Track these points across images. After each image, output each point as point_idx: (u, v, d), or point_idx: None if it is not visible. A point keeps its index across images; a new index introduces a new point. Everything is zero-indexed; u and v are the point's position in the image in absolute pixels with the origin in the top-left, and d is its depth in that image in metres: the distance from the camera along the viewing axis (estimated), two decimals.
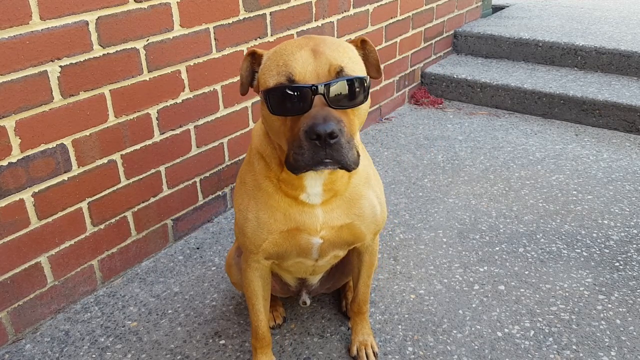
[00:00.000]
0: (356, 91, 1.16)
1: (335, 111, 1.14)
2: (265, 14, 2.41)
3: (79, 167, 1.89)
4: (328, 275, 1.76)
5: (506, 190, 2.67)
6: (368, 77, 1.22)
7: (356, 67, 1.20)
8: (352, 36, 3.01)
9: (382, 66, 3.37)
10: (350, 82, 1.15)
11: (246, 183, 1.41)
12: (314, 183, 1.32)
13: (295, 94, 1.13)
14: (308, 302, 1.77)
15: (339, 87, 1.14)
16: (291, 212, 1.35)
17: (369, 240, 1.50)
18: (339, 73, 1.15)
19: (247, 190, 1.40)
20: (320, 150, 1.11)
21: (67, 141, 1.82)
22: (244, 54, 2.36)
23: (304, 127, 1.11)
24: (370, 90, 3.68)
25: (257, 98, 2.50)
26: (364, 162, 1.41)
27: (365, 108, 1.23)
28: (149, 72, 2.01)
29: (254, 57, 1.28)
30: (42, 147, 1.76)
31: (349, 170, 1.17)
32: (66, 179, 1.86)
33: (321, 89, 1.12)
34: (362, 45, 1.28)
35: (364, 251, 1.57)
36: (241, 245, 1.47)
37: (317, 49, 1.17)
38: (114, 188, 2.03)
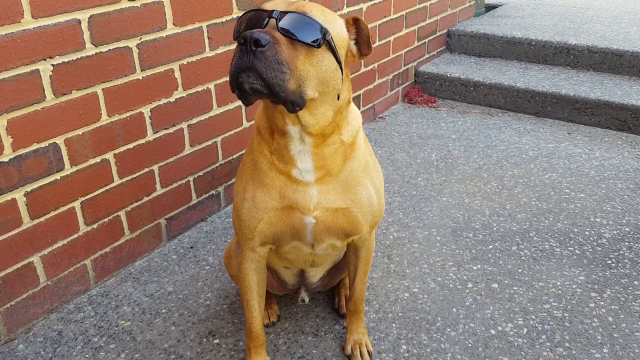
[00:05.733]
0: (309, 30, 1.15)
1: (285, 43, 1.13)
2: None
3: (71, 167, 1.88)
4: (328, 274, 1.76)
5: (499, 188, 2.68)
6: (329, 30, 1.20)
7: (326, 21, 1.20)
8: None
9: (375, 65, 3.37)
10: (307, 19, 1.15)
11: (245, 164, 1.45)
12: (303, 157, 1.33)
13: (254, 17, 1.18)
14: (307, 299, 1.77)
15: (293, 19, 1.15)
16: (286, 190, 1.38)
17: (365, 232, 1.51)
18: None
19: (245, 172, 1.44)
20: (244, 55, 1.11)
21: (59, 140, 1.81)
22: None
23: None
24: (364, 89, 3.66)
25: None
26: (363, 150, 1.43)
27: (326, 67, 1.20)
28: (142, 70, 2.00)
29: None
30: (35, 147, 1.75)
31: (276, 96, 1.14)
32: (59, 178, 1.85)
33: (275, 14, 1.15)
34: (354, 23, 1.29)
35: (361, 246, 1.57)
36: (237, 232, 1.49)
37: (296, 2, 1.22)
38: (107, 187, 2.02)
